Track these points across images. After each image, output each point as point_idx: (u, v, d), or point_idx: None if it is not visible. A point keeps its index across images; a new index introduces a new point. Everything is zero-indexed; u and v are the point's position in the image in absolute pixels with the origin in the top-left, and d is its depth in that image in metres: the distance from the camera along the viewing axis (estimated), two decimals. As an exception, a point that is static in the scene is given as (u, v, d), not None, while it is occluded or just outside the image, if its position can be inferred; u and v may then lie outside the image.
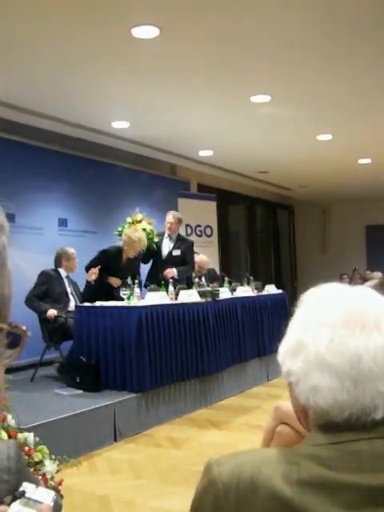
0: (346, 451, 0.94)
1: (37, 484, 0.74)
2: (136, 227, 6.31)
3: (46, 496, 0.71)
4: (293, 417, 3.64)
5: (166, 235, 6.83)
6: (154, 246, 6.67)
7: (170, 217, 6.99)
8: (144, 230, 6.34)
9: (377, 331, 0.96)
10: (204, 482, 1.02)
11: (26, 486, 0.71)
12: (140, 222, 6.43)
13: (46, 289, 6.02)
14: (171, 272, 6.72)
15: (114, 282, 6.25)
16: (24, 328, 0.69)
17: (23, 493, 0.70)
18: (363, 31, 4.71)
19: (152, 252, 6.71)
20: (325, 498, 0.91)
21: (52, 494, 0.72)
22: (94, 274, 6.11)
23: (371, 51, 5.12)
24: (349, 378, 0.94)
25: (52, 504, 0.70)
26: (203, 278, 8.09)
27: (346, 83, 5.92)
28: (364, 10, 4.32)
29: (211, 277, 8.14)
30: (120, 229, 6.48)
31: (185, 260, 6.91)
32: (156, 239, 6.70)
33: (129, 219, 6.52)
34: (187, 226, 9.52)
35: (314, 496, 0.92)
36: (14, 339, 0.69)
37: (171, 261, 6.78)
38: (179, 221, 7.04)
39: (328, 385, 0.95)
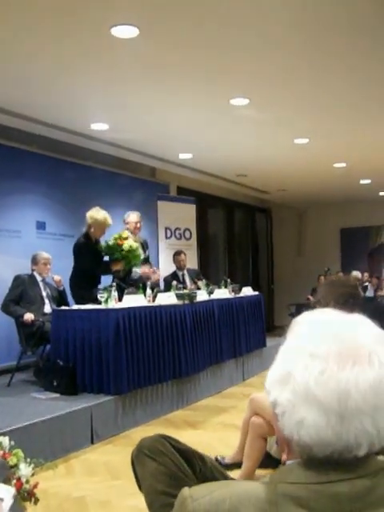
0: (325, 493, 0.91)
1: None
2: (123, 243, 6.19)
3: (5, 493, 0.72)
4: (265, 408, 3.74)
5: (130, 236, 6.62)
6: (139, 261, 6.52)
7: (136, 216, 6.85)
8: (130, 247, 6.22)
9: (369, 366, 0.93)
10: None
11: None
12: (126, 239, 6.27)
13: (21, 292, 5.97)
14: (155, 272, 6.76)
15: (118, 266, 6.26)
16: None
17: None
18: (342, 37, 4.74)
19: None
20: None
21: (12, 490, 0.73)
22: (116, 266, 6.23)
23: (349, 57, 5.16)
24: (335, 415, 0.91)
25: (11, 501, 0.71)
26: (186, 277, 8.15)
27: (323, 88, 5.97)
28: (344, 17, 4.36)
29: (192, 276, 8.21)
30: (105, 244, 6.33)
31: (147, 258, 6.94)
32: (141, 256, 6.55)
33: (115, 235, 6.34)
34: (166, 228, 9.51)
35: None
36: None
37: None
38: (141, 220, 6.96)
39: (314, 420, 0.91)
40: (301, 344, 0.98)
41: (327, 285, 3.31)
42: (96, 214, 6.19)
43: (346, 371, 0.91)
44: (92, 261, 6.15)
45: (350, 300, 3.03)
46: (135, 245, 6.27)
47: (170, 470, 1.98)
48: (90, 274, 6.18)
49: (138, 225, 6.83)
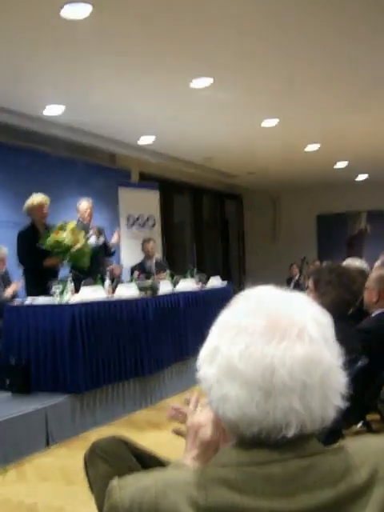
0: (256, 474, 0.90)
1: None
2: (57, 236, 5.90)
3: None
4: None
5: (80, 225, 6.47)
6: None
7: (87, 204, 6.77)
8: (56, 241, 5.86)
9: (299, 342, 0.92)
10: (107, 507, 1.00)
11: None
12: (61, 230, 5.95)
13: None
14: (118, 268, 6.69)
15: (51, 261, 6.03)
16: None
17: None
18: (309, 11, 4.73)
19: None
20: None
21: None
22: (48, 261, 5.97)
23: (317, 33, 5.15)
24: (260, 391, 0.91)
25: None
26: (154, 267, 8.10)
27: (292, 65, 5.95)
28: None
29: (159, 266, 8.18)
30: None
31: (107, 247, 6.86)
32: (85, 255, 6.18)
33: (59, 225, 6.07)
34: (128, 216, 9.47)
35: None
36: None
37: (99, 251, 6.70)
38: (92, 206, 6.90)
39: (237, 395, 0.92)
40: (230, 319, 0.99)
41: (329, 269, 3.23)
42: (31, 201, 6.12)
43: (272, 346, 0.92)
44: (30, 252, 5.93)
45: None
46: (67, 241, 5.88)
47: (123, 473, 1.96)
48: (30, 267, 6.02)
49: (89, 211, 6.77)
